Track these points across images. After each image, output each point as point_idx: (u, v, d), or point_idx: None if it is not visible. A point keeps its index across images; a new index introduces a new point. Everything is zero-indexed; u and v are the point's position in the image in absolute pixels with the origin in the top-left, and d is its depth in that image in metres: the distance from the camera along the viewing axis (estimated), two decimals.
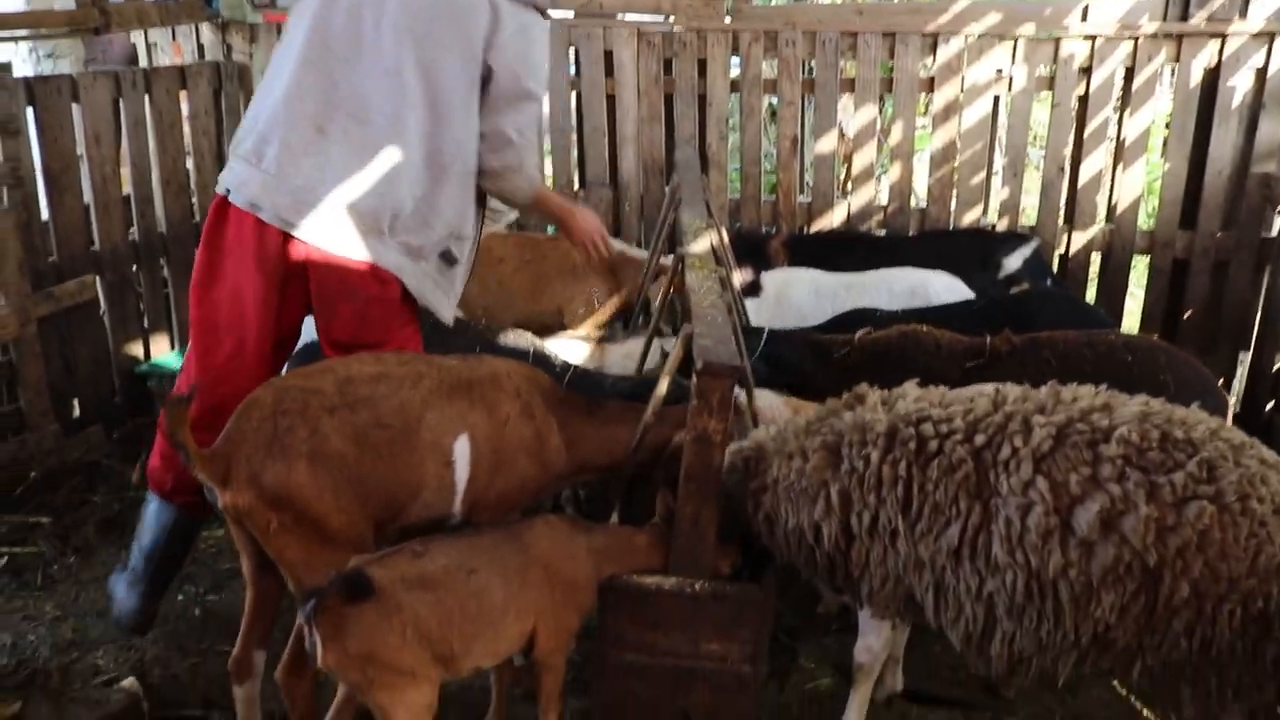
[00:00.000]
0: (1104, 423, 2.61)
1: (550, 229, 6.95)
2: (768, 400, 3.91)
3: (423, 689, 2.77)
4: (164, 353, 6.29)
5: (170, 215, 6.18)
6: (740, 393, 3.81)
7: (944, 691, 3.73)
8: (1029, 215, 6.38)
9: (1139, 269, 6.73)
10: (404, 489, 3.10)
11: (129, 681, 3.69)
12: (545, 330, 6.03)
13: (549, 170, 6.95)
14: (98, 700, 3.58)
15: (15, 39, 6.79)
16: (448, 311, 3.85)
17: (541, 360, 4.33)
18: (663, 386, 3.46)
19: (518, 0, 3.58)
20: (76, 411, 5.84)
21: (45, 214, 5.58)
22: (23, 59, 7.70)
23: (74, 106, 5.59)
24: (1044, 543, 2.56)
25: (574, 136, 6.85)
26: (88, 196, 5.77)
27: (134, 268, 6.08)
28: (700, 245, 4.41)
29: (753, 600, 3.18)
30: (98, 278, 5.80)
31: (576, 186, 6.90)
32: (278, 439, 2.87)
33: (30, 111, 5.37)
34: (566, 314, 6.04)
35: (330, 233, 3.47)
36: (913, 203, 6.44)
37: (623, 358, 4.98)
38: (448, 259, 3.72)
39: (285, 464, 2.85)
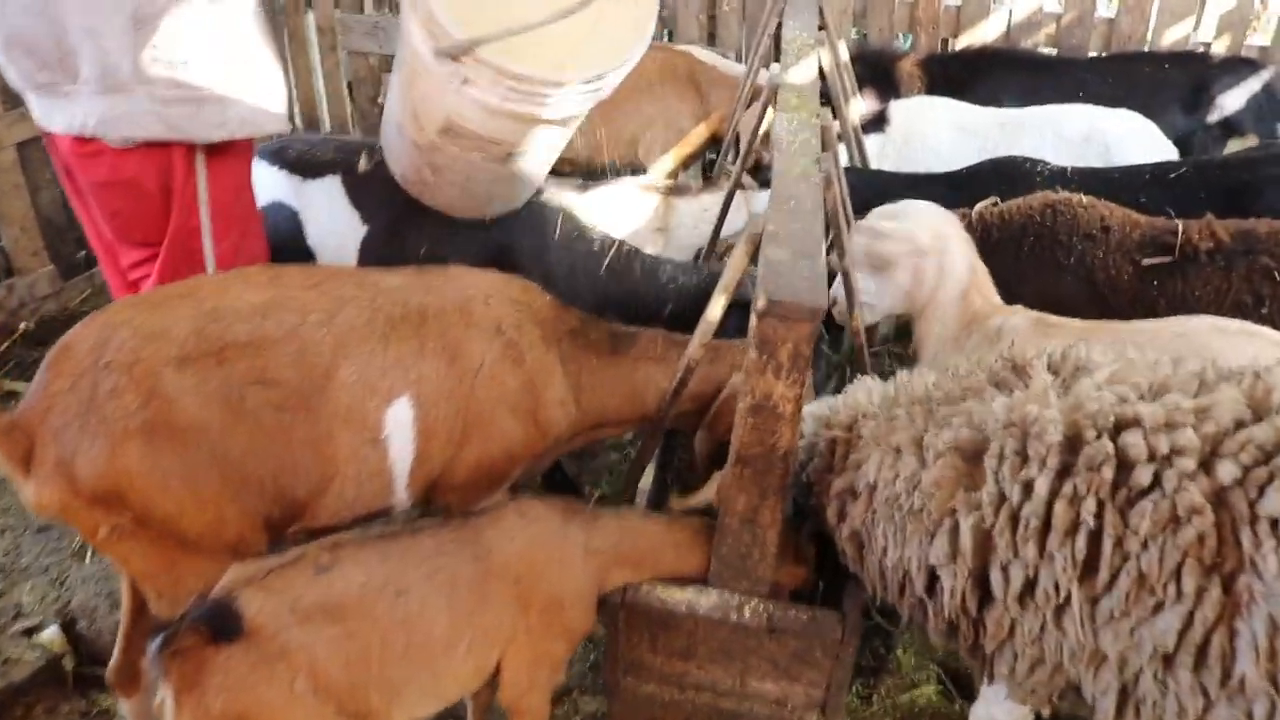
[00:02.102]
0: None
1: None
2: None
3: None
4: None
5: None
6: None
7: None
8: (1263, 31, 4.86)
9: None
10: (303, 479, 2.16)
11: (51, 632, 3.01)
12: (613, 167, 5.00)
13: None
14: (9, 660, 2.88)
15: None
16: (271, 124, 2.66)
17: (574, 233, 3.24)
18: (716, 309, 2.37)
19: None
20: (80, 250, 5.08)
21: None
22: None
23: None
24: None
25: None
26: None
27: None
28: (802, 73, 3.23)
29: (827, 634, 2.18)
30: None
31: None
32: (95, 407, 1.92)
33: None
34: (641, 145, 4.91)
35: (38, 109, 2.55)
36: (1097, 10, 4.98)
37: (697, 216, 3.88)
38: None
39: (107, 444, 1.92)
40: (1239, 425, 1.62)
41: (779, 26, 3.76)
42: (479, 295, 2.37)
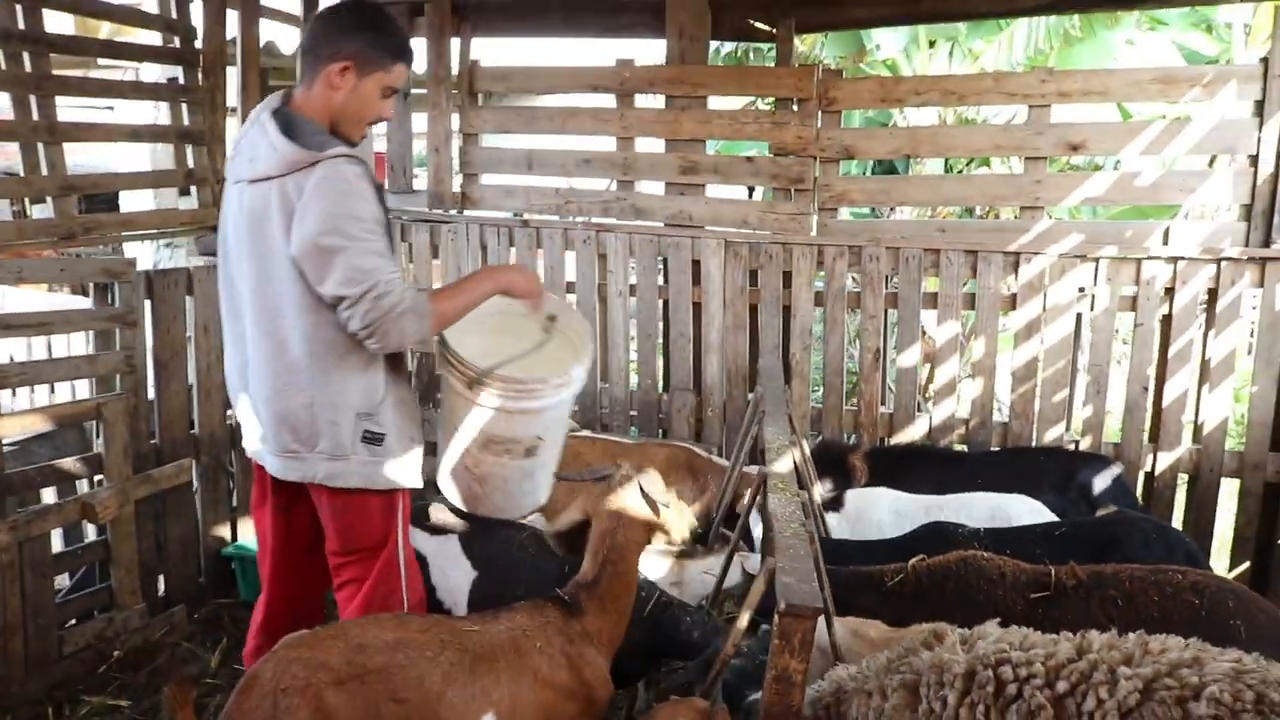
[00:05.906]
0: (1194, 679, 2.55)
1: (634, 430, 7.04)
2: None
3: None
4: (250, 535, 6.37)
5: None
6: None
7: None
8: (1113, 432, 6.30)
9: (1230, 491, 6.54)
10: None
11: None
12: None
13: (633, 376, 7.10)
14: None
15: (144, 238, 7.28)
16: (408, 477, 3.71)
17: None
18: (743, 620, 3.46)
19: (299, 171, 3.26)
20: (162, 590, 5.95)
21: (149, 395, 5.84)
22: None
23: (187, 298, 5.95)
24: None
25: (659, 341, 7.03)
26: (190, 379, 6.06)
27: (230, 451, 6.22)
28: (783, 464, 4.42)
29: None
30: (194, 460, 6.03)
31: (661, 390, 7.05)
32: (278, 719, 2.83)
33: (147, 304, 5.71)
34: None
35: (277, 467, 3.63)
36: (995, 416, 6.41)
37: (701, 574, 4.97)
38: (372, 440, 3.56)
39: None
40: (1070, 661, 2.73)
41: (758, 431, 5.02)
42: (520, 632, 3.35)
